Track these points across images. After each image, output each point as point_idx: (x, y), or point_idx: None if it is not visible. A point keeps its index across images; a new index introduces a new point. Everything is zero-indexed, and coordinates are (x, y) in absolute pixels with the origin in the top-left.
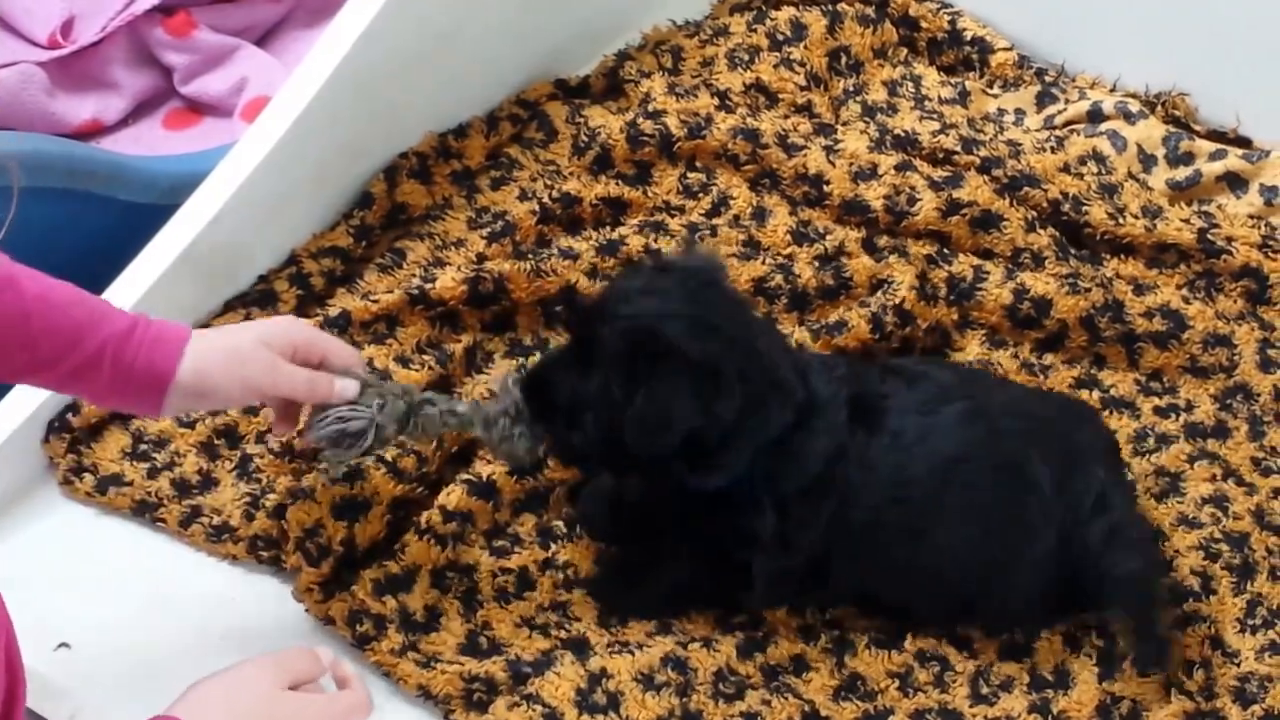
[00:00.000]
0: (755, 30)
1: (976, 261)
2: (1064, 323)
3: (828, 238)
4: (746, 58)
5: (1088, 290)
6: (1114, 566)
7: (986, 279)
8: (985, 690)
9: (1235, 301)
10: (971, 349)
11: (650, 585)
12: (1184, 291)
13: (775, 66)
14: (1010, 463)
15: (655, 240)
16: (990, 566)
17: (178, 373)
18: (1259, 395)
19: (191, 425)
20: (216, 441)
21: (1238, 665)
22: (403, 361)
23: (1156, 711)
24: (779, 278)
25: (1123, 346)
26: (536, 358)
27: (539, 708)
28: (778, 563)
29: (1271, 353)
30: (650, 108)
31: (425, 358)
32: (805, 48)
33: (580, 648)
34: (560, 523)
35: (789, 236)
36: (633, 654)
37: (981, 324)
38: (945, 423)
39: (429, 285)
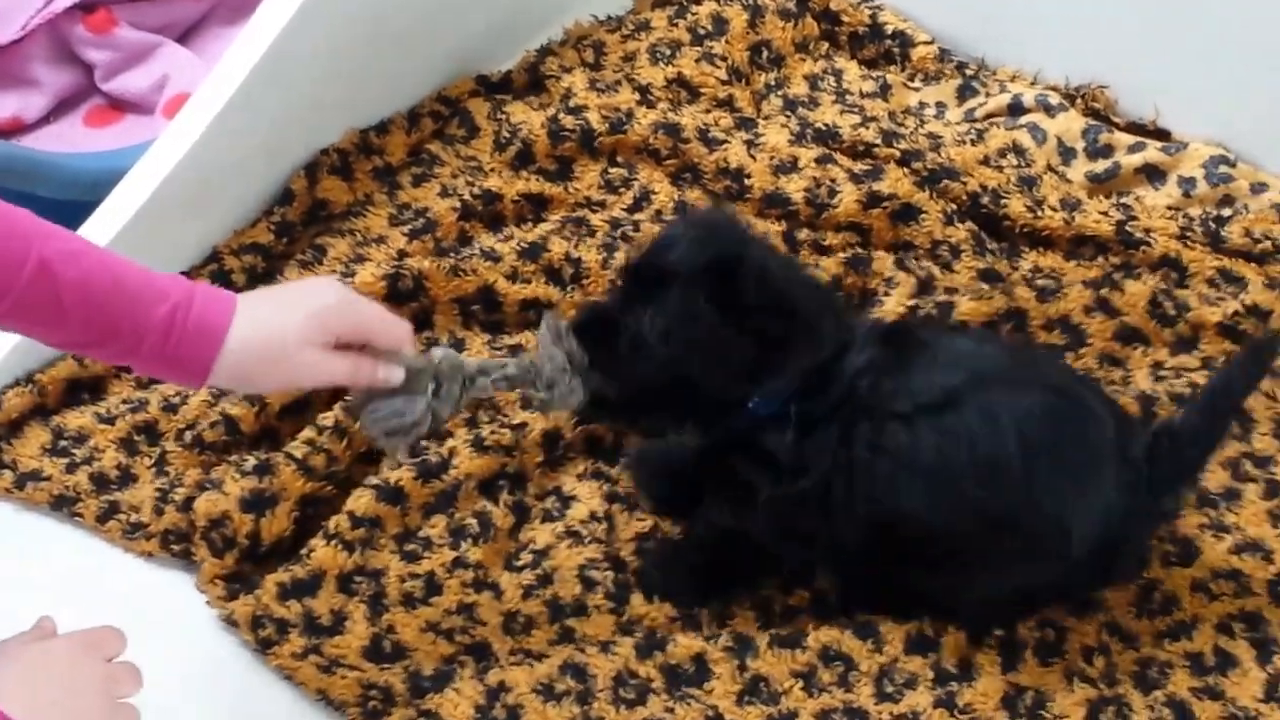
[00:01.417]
0: (677, 25)
1: (890, 273)
2: (965, 324)
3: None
4: (668, 52)
5: (990, 297)
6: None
7: (894, 292)
8: (890, 688)
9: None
10: None
11: (687, 561)
12: (1091, 296)
13: (697, 61)
14: (1059, 386)
15: (577, 246)
16: (1047, 480)
17: (214, 369)
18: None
19: (112, 421)
20: (136, 438)
21: (1137, 650)
22: None
23: (1061, 700)
24: None
25: None
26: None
27: None
28: (789, 485)
29: (1162, 374)
30: (571, 103)
31: None
32: (727, 42)
33: (483, 653)
34: (473, 520)
35: None
36: (532, 665)
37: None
38: (990, 351)
39: (348, 280)
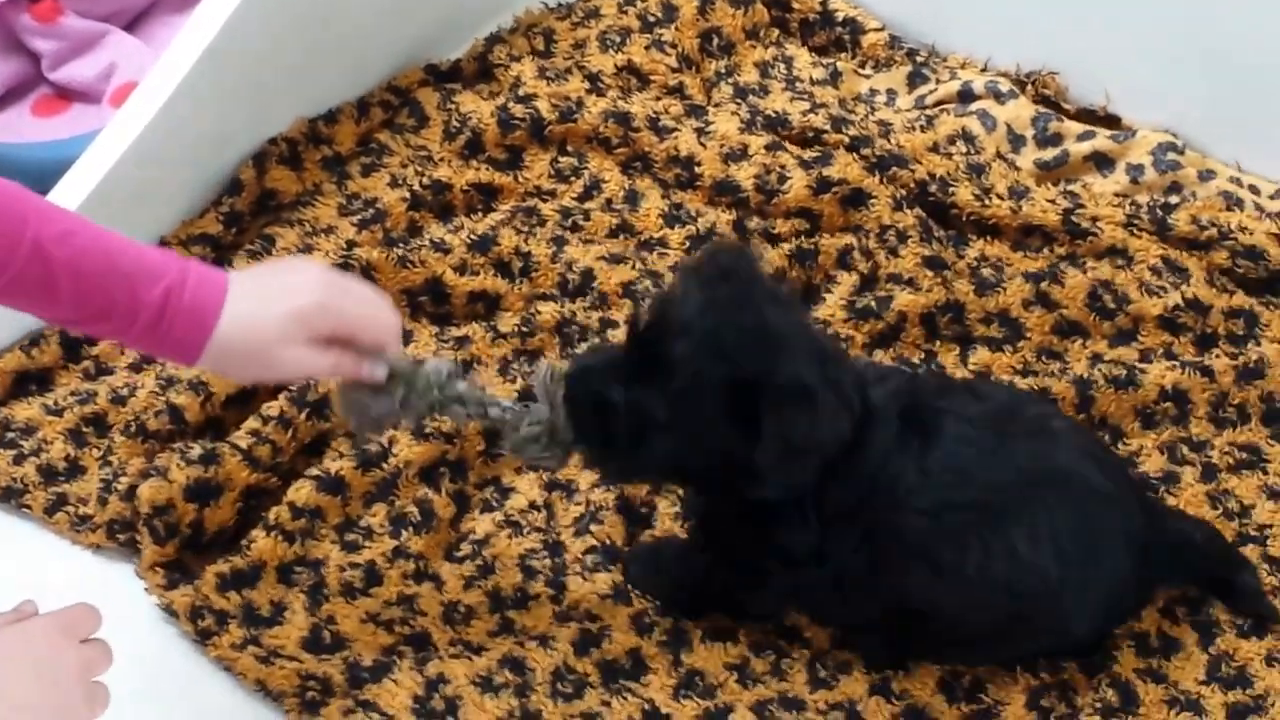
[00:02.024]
0: (627, 12)
1: (833, 270)
2: (904, 315)
3: (700, 220)
4: (618, 40)
5: (930, 289)
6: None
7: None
8: (824, 674)
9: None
10: None
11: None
12: (1031, 289)
13: (647, 48)
14: (1080, 475)
15: (527, 240)
16: (1071, 578)
17: (201, 358)
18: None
19: (59, 413)
20: (84, 429)
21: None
22: None
23: (1001, 684)
24: (647, 282)
25: (957, 346)
26: (560, 361)
27: (375, 715)
28: (801, 577)
29: (1100, 369)
30: (521, 92)
31: None
32: (677, 29)
33: (422, 644)
34: (414, 509)
35: (661, 219)
36: (471, 658)
37: (822, 321)
38: (1014, 432)
39: None
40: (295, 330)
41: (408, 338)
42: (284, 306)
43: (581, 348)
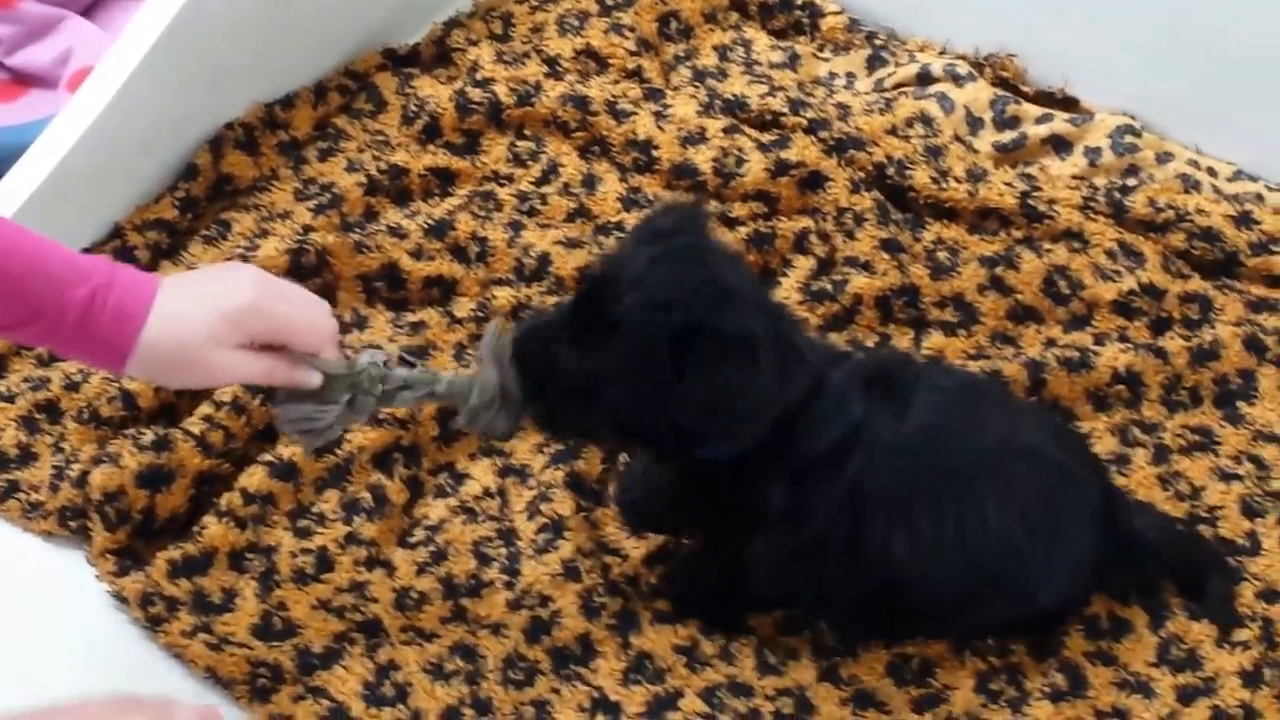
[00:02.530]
0: None
1: (790, 254)
2: (859, 298)
3: (657, 203)
4: (576, 23)
5: (885, 273)
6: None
7: (790, 273)
8: (773, 660)
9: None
10: None
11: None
12: (986, 274)
13: (605, 32)
14: (1046, 452)
15: (484, 225)
16: (1039, 550)
17: (130, 361)
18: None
19: (11, 399)
20: (37, 416)
21: None
22: None
23: (950, 670)
24: None
25: (912, 329)
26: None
27: (325, 701)
28: (785, 540)
29: (1053, 351)
30: (479, 76)
31: None
32: (635, 13)
33: (373, 631)
34: (367, 494)
35: (618, 203)
36: (423, 645)
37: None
38: (983, 407)
39: (251, 254)
40: (226, 333)
41: (363, 324)
42: (214, 308)
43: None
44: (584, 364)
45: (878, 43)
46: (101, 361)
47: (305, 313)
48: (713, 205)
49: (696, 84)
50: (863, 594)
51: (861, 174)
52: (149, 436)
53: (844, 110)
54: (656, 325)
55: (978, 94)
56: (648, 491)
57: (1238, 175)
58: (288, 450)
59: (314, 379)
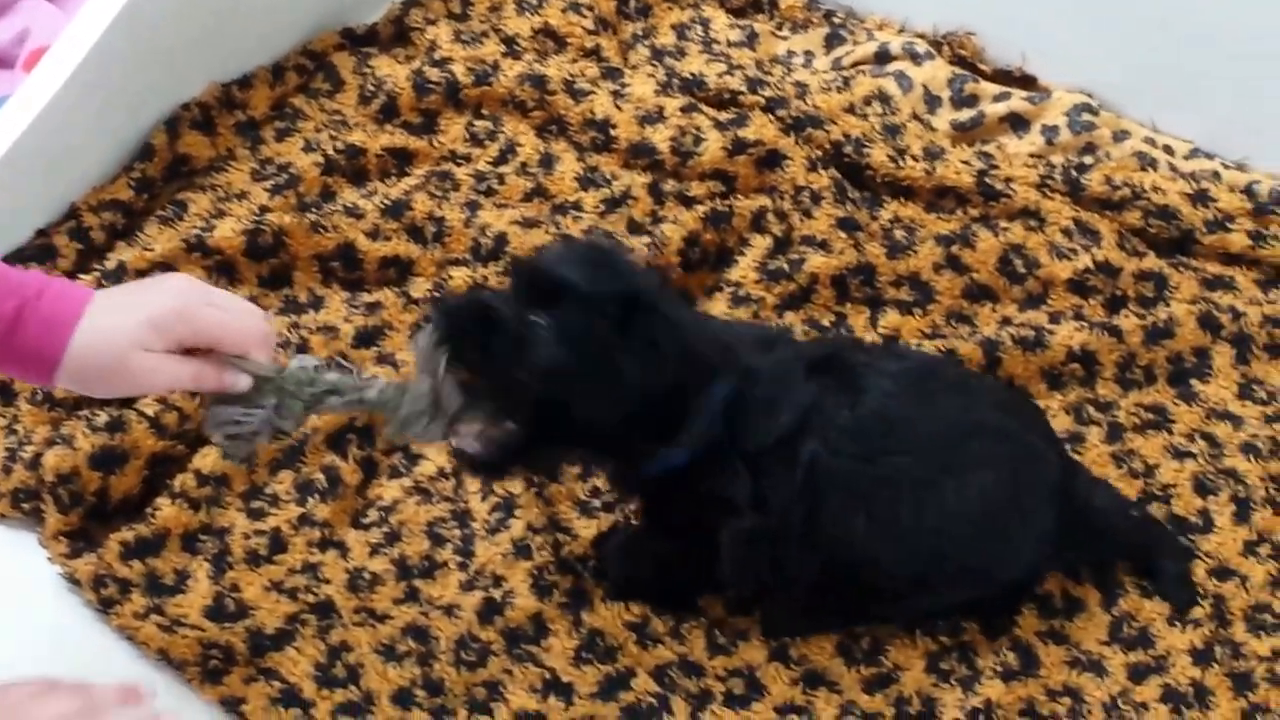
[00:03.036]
0: None
1: (747, 233)
2: (815, 277)
3: (615, 183)
4: (534, 2)
5: (841, 252)
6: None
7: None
8: (722, 640)
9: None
10: (718, 308)
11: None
12: (942, 253)
13: (564, 11)
14: (1004, 429)
15: (441, 205)
16: (998, 528)
17: (58, 372)
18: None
19: None
20: None
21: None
22: None
23: (901, 649)
24: None
25: (868, 308)
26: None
27: (276, 683)
28: (749, 524)
29: (1008, 330)
30: (436, 55)
31: None
32: None
33: (326, 612)
34: (320, 475)
35: (576, 183)
36: (375, 626)
37: (734, 283)
38: (937, 387)
39: (207, 234)
40: (150, 338)
41: (319, 304)
42: (140, 316)
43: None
44: (529, 324)
45: (836, 21)
46: (31, 373)
47: (232, 315)
48: (670, 184)
49: (655, 63)
50: (821, 576)
51: (819, 152)
52: (103, 418)
53: (802, 89)
54: (600, 286)
55: (935, 72)
56: (633, 557)
57: (1194, 153)
58: None
59: (242, 382)
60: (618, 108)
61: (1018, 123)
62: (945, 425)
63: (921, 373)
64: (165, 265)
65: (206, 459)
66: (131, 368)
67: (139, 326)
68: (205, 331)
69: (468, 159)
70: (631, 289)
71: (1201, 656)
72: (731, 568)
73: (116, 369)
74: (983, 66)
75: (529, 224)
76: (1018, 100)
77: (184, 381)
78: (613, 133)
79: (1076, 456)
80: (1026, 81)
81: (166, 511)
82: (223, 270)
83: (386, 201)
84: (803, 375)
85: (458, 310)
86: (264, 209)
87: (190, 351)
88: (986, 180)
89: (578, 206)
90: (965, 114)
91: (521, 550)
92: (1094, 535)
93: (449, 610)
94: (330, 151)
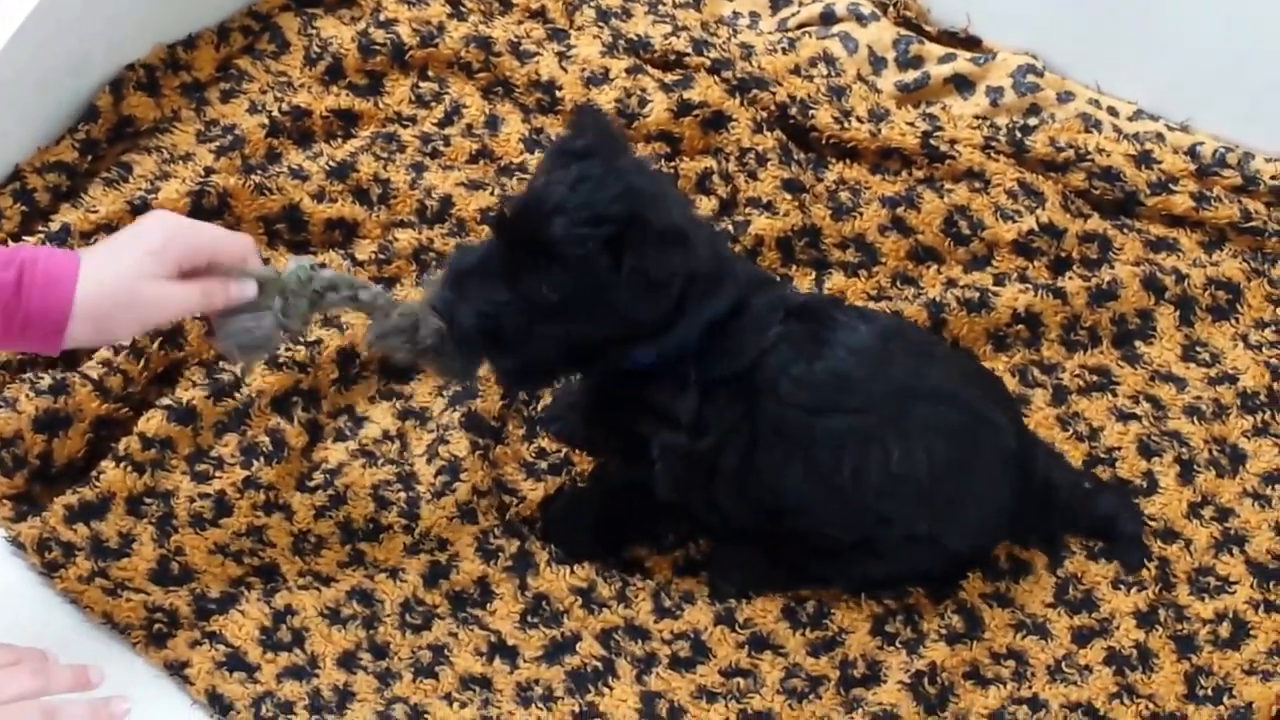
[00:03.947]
0: None
1: (692, 194)
2: (760, 239)
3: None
4: None
5: (786, 214)
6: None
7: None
8: (668, 603)
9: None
10: None
11: (590, 513)
12: (887, 214)
13: None
14: (959, 397)
15: (386, 167)
16: (947, 495)
17: (69, 328)
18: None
19: None
20: None
21: None
22: None
23: (846, 612)
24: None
25: (813, 270)
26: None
27: (221, 647)
28: (682, 443)
29: (953, 292)
30: (382, 16)
31: None
32: None
33: (271, 575)
34: (265, 438)
35: (521, 144)
36: (320, 589)
37: None
38: (897, 349)
39: (152, 196)
40: (153, 266)
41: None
42: (135, 250)
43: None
44: (523, 302)
45: None
46: (38, 337)
47: (220, 231)
48: None
49: (600, 24)
50: (756, 519)
51: (764, 114)
52: (46, 381)
53: (747, 50)
54: (588, 240)
55: (881, 34)
56: (578, 417)
57: (1138, 114)
58: (187, 394)
59: (250, 288)
60: (563, 69)
61: (962, 84)
62: (898, 388)
63: (886, 335)
64: (110, 227)
65: (151, 422)
66: (142, 300)
67: (138, 260)
68: (202, 246)
69: (413, 120)
70: (625, 213)
71: (1145, 619)
72: (663, 481)
73: (127, 304)
74: (928, 28)
75: (474, 185)
76: (963, 62)
77: (194, 301)
78: (558, 94)
79: (1023, 419)
80: (971, 43)
81: (111, 475)
82: None
83: (332, 163)
84: (780, 320)
85: (465, 259)
86: (209, 170)
87: (188, 276)
88: (931, 142)
89: (523, 168)
90: (910, 75)
91: (467, 514)
92: (1050, 510)
93: (394, 573)
94: (275, 113)
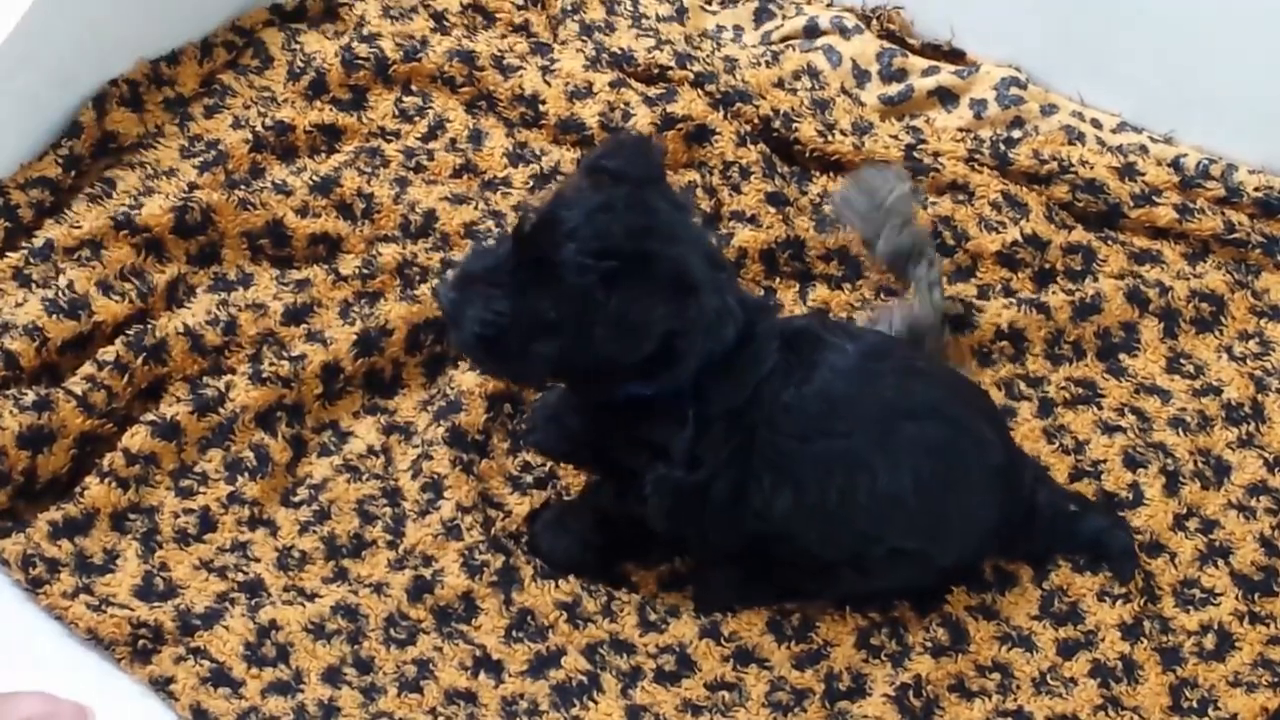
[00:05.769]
0: None
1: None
2: (744, 251)
3: (544, 158)
4: None
5: (770, 226)
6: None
7: None
8: (654, 617)
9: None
10: None
11: (580, 526)
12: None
13: None
14: (946, 413)
15: (370, 182)
16: (934, 511)
17: None
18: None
19: None
20: None
21: None
22: (104, 288)
23: (831, 625)
24: (489, 223)
25: (797, 283)
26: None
27: (206, 662)
28: (677, 477)
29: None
30: (365, 31)
31: (127, 286)
32: None
33: (255, 590)
34: (250, 454)
35: (505, 159)
36: (304, 604)
37: None
38: (883, 369)
39: (135, 211)
40: None
41: (248, 281)
42: None
43: (423, 289)
44: (523, 314)
45: None
46: None
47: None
48: None
49: (584, 38)
50: (750, 545)
51: (748, 127)
52: (30, 397)
53: (731, 63)
54: (590, 271)
55: (864, 47)
56: (556, 429)
57: (1122, 126)
58: (171, 410)
59: None
60: (547, 83)
61: (946, 97)
62: (884, 407)
63: (872, 353)
64: (93, 242)
65: (135, 438)
66: None
67: None
68: None
69: (397, 135)
70: (631, 251)
71: (1130, 631)
72: (655, 513)
73: None
74: (911, 41)
75: (458, 200)
76: (946, 74)
77: None
78: (542, 108)
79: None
80: (955, 56)
81: (95, 490)
82: (151, 248)
83: (315, 178)
84: (775, 349)
85: (477, 263)
86: (193, 186)
87: None
88: (915, 154)
89: (507, 182)
90: (894, 88)
91: (452, 531)
92: (1035, 530)
93: (378, 588)
94: (259, 128)
